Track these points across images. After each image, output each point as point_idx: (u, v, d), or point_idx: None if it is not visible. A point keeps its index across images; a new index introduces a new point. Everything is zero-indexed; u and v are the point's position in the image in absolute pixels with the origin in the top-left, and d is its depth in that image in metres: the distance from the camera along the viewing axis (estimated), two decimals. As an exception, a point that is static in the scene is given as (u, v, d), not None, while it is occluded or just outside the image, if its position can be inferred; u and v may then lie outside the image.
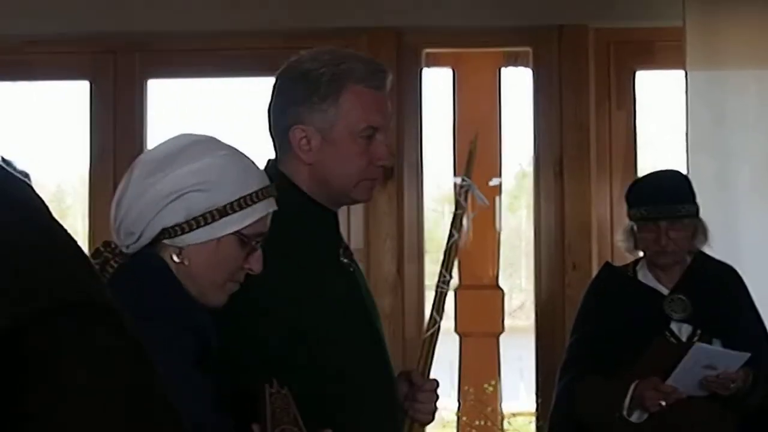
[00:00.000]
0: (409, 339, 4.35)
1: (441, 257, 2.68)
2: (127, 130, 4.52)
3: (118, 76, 4.57)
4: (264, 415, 1.95)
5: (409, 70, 4.52)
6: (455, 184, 2.60)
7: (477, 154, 2.70)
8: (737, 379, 3.34)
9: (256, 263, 2.08)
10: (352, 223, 4.47)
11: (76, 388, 1.00)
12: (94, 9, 4.48)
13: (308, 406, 2.11)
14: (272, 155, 2.48)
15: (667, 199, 3.48)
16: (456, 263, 2.80)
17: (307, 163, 2.40)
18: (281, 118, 2.43)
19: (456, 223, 2.62)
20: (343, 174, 2.41)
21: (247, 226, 2.03)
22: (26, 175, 2.40)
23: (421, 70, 4.57)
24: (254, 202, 2.03)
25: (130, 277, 1.97)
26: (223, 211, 2.00)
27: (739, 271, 3.61)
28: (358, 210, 4.44)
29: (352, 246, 4.44)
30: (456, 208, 2.65)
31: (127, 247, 2.03)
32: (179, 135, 2.08)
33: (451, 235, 2.63)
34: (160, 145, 2.09)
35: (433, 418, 2.57)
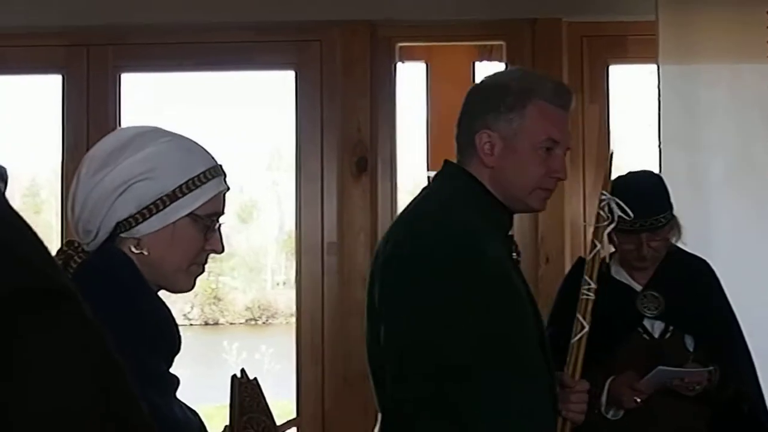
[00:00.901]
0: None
1: (585, 267, 2.90)
2: (100, 124, 4.49)
3: (91, 70, 4.55)
4: (233, 404, 1.97)
5: (382, 64, 4.51)
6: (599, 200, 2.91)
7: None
8: (701, 381, 3.36)
9: (216, 244, 2.09)
10: (325, 217, 4.46)
11: (38, 373, 1.00)
12: (66, 2, 4.46)
13: (497, 397, 2.36)
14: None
15: (648, 212, 3.40)
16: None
17: (488, 166, 2.59)
18: (470, 124, 2.62)
19: (599, 234, 2.82)
20: (521, 180, 2.59)
21: (199, 207, 2.03)
22: (2, 170, 2.38)
23: (395, 63, 4.56)
24: (203, 183, 2.04)
25: (91, 274, 1.97)
26: (173, 196, 2.01)
27: (712, 265, 3.62)
28: (331, 204, 4.44)
29: (326, 240, 4.45)
30: (597, 221, 2.83)
31: (88, 244, 2.03)
32: (122, 129, 2.10)
33: (593, 246, 2.82)
34: (103, 140, 2.10)
35: (584, 418, 2.75)
